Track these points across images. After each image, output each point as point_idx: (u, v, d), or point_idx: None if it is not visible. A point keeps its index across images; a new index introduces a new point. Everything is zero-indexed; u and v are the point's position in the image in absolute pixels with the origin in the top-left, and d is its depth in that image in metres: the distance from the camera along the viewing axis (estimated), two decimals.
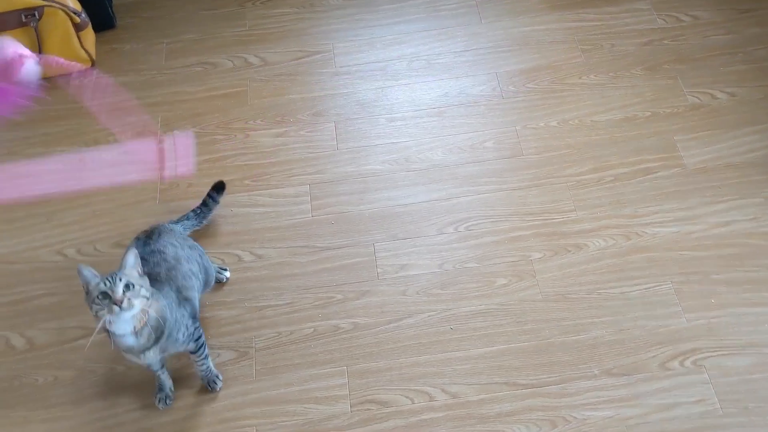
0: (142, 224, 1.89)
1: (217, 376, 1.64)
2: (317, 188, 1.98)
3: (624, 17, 2.34)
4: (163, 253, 1.51)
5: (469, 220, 1.88)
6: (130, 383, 1.67)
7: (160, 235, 1.55)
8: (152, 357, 1.43)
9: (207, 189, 1.94)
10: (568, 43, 2.27)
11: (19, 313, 1.79)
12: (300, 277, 1.81)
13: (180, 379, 1.66)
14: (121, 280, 1.29)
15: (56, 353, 1.72)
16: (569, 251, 1.81)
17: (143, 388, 1.65)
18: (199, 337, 1.54)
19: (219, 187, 1.87)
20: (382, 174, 2.00)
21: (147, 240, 1.53)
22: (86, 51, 2.26)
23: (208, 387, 1.64)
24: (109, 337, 1.38)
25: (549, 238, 1.83)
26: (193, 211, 1.82)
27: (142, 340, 1.37)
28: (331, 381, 1.65)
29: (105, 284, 1.29)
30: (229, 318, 1.74)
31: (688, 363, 1.63)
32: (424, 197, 1.94)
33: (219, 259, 1.84)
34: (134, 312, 1.31)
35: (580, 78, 2.17)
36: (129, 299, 1.29)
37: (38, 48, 2.18)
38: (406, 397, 1.61)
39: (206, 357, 1.59)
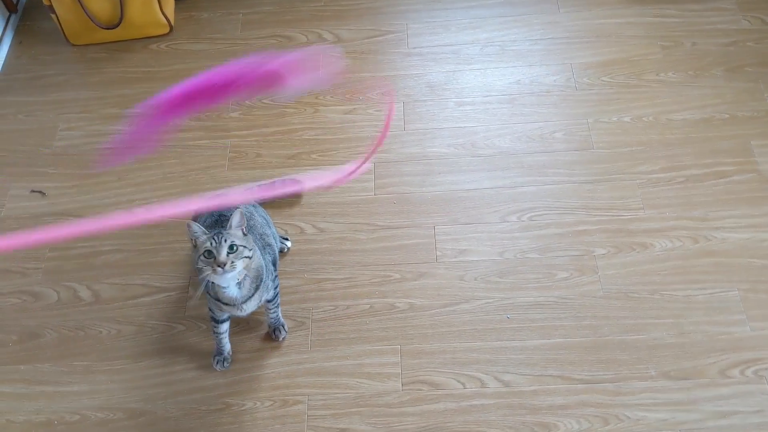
0: (210, 189, 1.94)
1: (284, 326, 1.69)
2: (381, 167, 1.99)
3: (708, 15, 2.27)
4: (237, 207, 1.53)
5: (533, 210, 1.87)
6: (188, 343, 1.71)
7: None
8: (252, 307, 1.48)
9: (274, 160, 1.96)
10: (648, 38, 2.22)
11: (87, 267, 1.85)
12: (359, 254, 1.83)
13: (237, 343, 1.69)
14: (226, 241, 1.33)
15: (120, 308, 1.78)
16: (634, 249, 1.78)
17: (200, 349, 1.69)
18: (278, 285, 1.60)
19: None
20: (447, 157, 1.99)
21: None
22: (165, 16, 2.31)
23: (272, 335, 1.69)
24: (210, 289, 1.44)
25: (615, 234, 1.80)
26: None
27: (244, 291, 1.43)
28: (384, 358, 1.66)
29: (211, 243, 1.33)
30: (288, 287, 1.77)
31: (749, 372, 1.59)
32: (489, 184, 1.93)
33: (282, 229, 1.86)
34: (236, 272, 1.36)
35: (657, 75, 2.12)
36: (232, 261, 1.33)
37: (120, 11, 2.23)
38: (458, 381, 1.61)
39: (278, 305, 1.65)
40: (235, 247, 1.34)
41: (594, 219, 1.84)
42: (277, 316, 1.67)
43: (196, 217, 1.54)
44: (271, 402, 1.61)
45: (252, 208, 1.62)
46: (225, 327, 1.61)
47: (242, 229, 1.39)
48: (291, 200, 1.92)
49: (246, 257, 1.36)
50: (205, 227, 1.38)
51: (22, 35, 2.43)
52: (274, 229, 1.68)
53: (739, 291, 1.70)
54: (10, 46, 2.39)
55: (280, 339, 1.69)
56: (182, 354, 1.70)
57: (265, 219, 1.65)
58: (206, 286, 1.44)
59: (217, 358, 1.66)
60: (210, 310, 1.56)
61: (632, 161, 1.94)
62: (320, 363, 1.66)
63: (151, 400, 1.63)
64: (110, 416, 1.62)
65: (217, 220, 1.51)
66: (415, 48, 2.27)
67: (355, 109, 2.12)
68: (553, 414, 1.55)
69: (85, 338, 1.74)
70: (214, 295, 1.45)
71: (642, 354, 1.62)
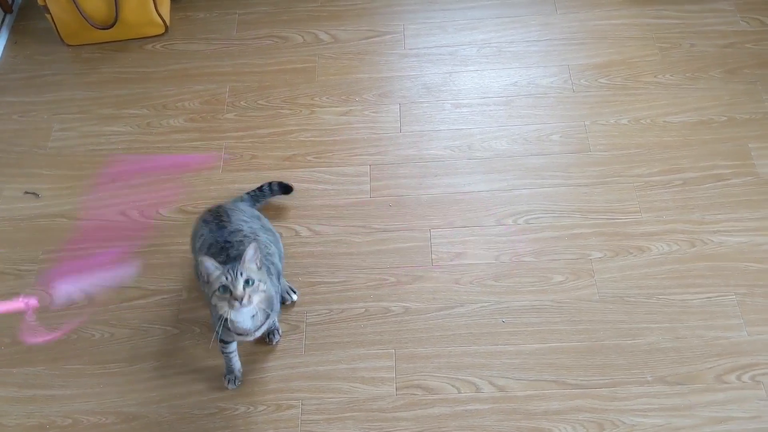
0: (205, 191, 1.93)
1: (278, 329, 1.68)
2: (378, 169, 1.98)
3: (705, 17, 2.26)
4: (241, 230, 1.53)
5: (529, 213, 1.86)
6: (182, 346, 1.70)
7: (229, 215, 1.57)
8: (261, 332, 1.47)
9: (269, 161, 1.96)
10: (646, 39, 2.21)
11: (80, 269, 1.84)
12: (354, 257, 1.82)
13: None
14: (242, 274, 1.32)
15: (113, 311, 1.77)
16: (631, 253, 1.77)
17: (194, 353, 1.69)
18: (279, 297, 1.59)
19: (286, 188, 1.87)
20: (443, 160, 1.98)
21: (220, 222, 1.54)
22: (161, 16, 2.29)
23: (266, 339, 1.68)
24: (221, 324, 1.40)
25: (611, 238, 1.79)
26: (248, 193, 1.83)
27: (257, 322, 1.43)
28: (378, 362, 1.65)
29: (226, 278, 1.32)
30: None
31: (745, 378, 1.58)
32: (485, 186, 1.92)
33: (277, 231, 1.85)
34: (252, 306, 1.35)
35: (655, 76, 2.11)
36: (249, 296, 1.33)
37: (115, 11, 2.21)
38: (453, 386, 1.60)
39: (276, 311, 1.59)
40: (251, 281, 1.33)
41: (590, 222, 1.83)
42: (273, 321, 1.66)
43: (201, 245, 1.52)
44: (265, 406, 1.60)
45: (255, 226, 1.58)
46: (234, 346, 1.59)
47: (256, 263, 1.38)
48: (286, 203, 1.91)
49: (262, 291, 1.36)
50: (212, 255, 1.38)
51: (18, 35, 2.42)
52: (280, 246, 1.68)
53: (736, 295, 1.69)
54: (5, 46, 2.38)
55: (274, 343, 1.68)
56: (176, 358, 1.69)
57: (272, 234, 1.64)
58: (219, 319, 1.41)
59: (228, 377, 1.63)
60: (218, 333, 1.48)
61: (629, 164, 1.93)
62: (314, 367, 1.65)
63: (145, 404, 1.63)
64: (103, 420, 1.61)
65: (223, 248, 1.47)
66: (411, 49, 2.26)
67: (351, 110, 2.11)
68: (548, 420, 1.54)
69: (78, 341, 1.73)
70: (226, 325, 1.43)
71: (638, 359, 1.61)
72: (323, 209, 1.90)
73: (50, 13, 2.24)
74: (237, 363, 1.63)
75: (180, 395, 1.63)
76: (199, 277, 1.37)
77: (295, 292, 1.75)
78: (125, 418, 1.61)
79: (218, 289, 1.33)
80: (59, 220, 1.92)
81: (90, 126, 2.13)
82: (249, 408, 1.60)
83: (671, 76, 2.11)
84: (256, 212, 1.69)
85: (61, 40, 2.34)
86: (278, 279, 1.57)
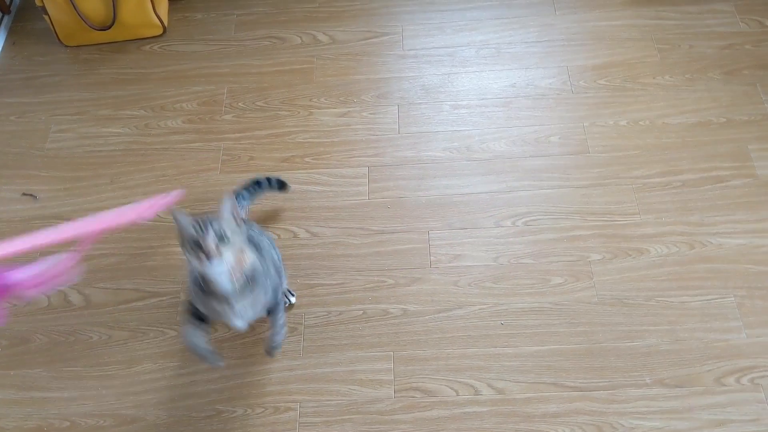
0: (203, 192, 1.93)
1: (277, 346, 1.56)
2: (376, 171, 1.97)
3: (705, 18, 2.25)
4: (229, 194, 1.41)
5: (528, 214, 1.85)
6: (180, 349, 1.70)
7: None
8: (245, 312, 1.37)
9: (267, 163, 1.95)
10: (645, 41, 2.20)
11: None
12: (353, 259, 1.81)
13: (231, 348, 1.68)
14: (212, 228, 1.23)
15: (111, 313, 1.76)
16: (630, 255, 1.76)
17: (193, 355, 1.68)
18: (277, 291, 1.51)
19: (282, 184, 1.85)
20: (442, 161, 1.98)
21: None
22: (159, 17, 2.29)
23: (266, 348, 1.64)
24: (203, 286, 1.32)
25: (610, 240, 1.79)
26: (245, 188, 1.77)
27: (238, 286, 1.31)
28: (376, 365, 1.64)
29: (195, 231, 1.23)
30: None
31: (744, 380, 1.57)
32: (484, 188, 1.92)
33: (275, 234, 1.85)
34: (226, 264, 1.26)
35: (654, 78, 2.10)
36: (220, 251, 1.23)
37: (113, 12, 2.21)
38: (451, 389, 1.60)
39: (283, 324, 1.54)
40: (225, 237, 1.24)
41: (589, 224, 1.82)
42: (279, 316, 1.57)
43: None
44: (263, 409, 1.60)
45: (252, 233, 1.48)
46: (202, 333, 1.43)
47: (234, 218, 1.28)
48: (284, 205, 1.91)
49: (238, 249, 1.27)
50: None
51: (15, 36, 2.41)
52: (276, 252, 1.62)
53: (735, 297, 1.69)
54: (2, 47, 2.37)
55: (274, 352, 1.66)
56: (174, 360, 1.68)
57: (268, 239, 1.60)
58: (195, 284, 1.33)
59: (209, 359, 1.44)
60: (191, 305, 1.39)
61: (628, 165, 1.92)
62: (312, 369, 1.65)
63: (142, 407, 1.62)
64: (101, 423, 1.60)
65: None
66: (410, 50, 2.25)
67: (349, 112, 2.10)
68: (547, 422, 1.54)
69: (76, 343, 1.72)
70: (204, 291, 1.34)
71: (637, 361, 1.61)
72: (321, 211, 1.90)
73: (48, 14, 2.24)
74: (204, 345, 1.43)
75: (178, 398, 1.63)
76: (182, 246, 1.27)
77: (293, 295, 1.74)
78: (123, 420, 1.60)
79: (190, 243, 1.23)
80: (55, 222, 1.92)
81: (88, 127, 2.13)
82: (247, 410, 1.60)
83: (670, 77, 2.10)
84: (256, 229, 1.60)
85: (59, 41, 2.33)
86: (279, 277, 1.53)
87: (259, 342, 1.69)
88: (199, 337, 1.43)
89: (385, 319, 1.71)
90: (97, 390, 1.65)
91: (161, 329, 1.73)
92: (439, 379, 1.62)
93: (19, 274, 1.04)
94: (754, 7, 2.27)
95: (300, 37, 2.31)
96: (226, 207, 1.27)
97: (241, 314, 1.38)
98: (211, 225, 1.23)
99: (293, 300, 1.73)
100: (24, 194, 1.99)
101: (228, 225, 1.26)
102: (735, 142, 1.95)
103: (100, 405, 1.63)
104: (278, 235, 1.84)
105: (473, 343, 1.66)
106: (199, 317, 1.43)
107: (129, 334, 1.73)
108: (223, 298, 1.33)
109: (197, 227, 1.23)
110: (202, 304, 1.39)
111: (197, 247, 1.23)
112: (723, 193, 1.86)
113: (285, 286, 1.69)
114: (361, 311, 1.73)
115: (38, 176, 2.03)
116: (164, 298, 1.78)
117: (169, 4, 2.41)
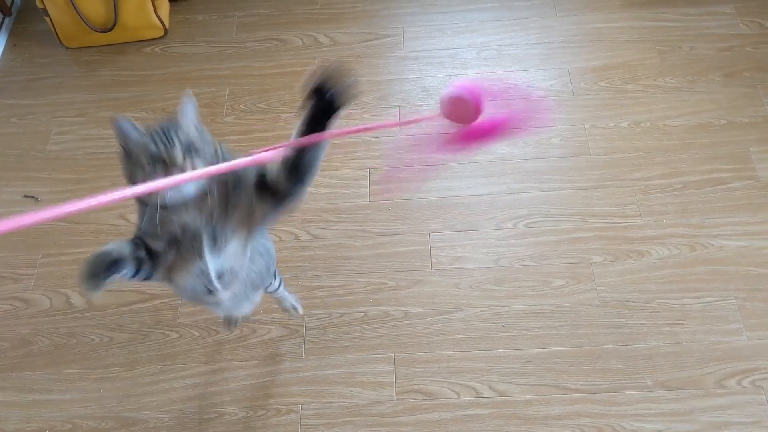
0: None
1: (294, 306, 1.60)
2: (377, 173, 1.97)
3: (705, 20, 2.25)
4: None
5: (529, 216, 1.85)
6: (182, 351, 1.70)
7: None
8: (225, 263, 1.03)
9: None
10: (645, 42, 2.20)
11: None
12: (354, 261, 1.81)
13: (229, 351, 1.68)
14: (178, 138, 0.91)
15: (113, 315, 1.76)
16: (631, 257, 1.76)
17: (194, 357, 1.68)
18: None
19: None
20: (442, 163, 1.98)
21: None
22: (160, 19, 2.29)
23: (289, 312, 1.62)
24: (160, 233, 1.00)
25: (611, 242, 1.79)
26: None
27: (204, 211, 0.97)
28: (378, 367, 1.65)
29: (157, 146, 0.90)
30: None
31: (746, 383, 1.57)
32: (485, 190, 1.92)
33: (276, 236, 1.85)
34: (195, 181, 0.93)
35: (654, 80, 2.11)
36: (193, 165, 0.92)
37: (114, 14, 2.21)
38: (453, 391, 1.60)
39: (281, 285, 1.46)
40: (192, 148, 0.92)
41: (590, 226, 1.82)
42: (284, 295, 1.55)
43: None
44: (264, 411, 1.60)
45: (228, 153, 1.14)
46: (127, 247, 1.00)
47: (194, 124, 0.96)
48: None
49: (207, 159, 0.94)
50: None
51: (16, 38, 2.41)
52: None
53: (736, 300, 1.69)
54: (3, 49, 2.38)
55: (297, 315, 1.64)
56: (176, 362, 1.69)
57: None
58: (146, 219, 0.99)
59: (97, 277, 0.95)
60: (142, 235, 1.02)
61: (629, 167, 1.92)
62: (314, 371, 1.65)
63: (144, 409, 1.62)
64: (102, 425, 1.60)
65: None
66: (411, 52, 2.25)
67: (350, 113, 2.09)
68: (548, 424, 1.54)
69: (78, 345, 1.72)
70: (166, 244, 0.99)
71: (638, 363, 1.61)
72: (322, 213, 1.90)
73: (49, 16, 2.24)
74: (116, 257, 0.99)
75: (179, 400, 1.63)
76: (129, 172, 0.95)
77: (298, 304, 1.69)
78: (124, 423, 1.60)
79: (146, 159, 0.90)
80: (58, 224, 1.92)
81: (89, 129, 2.13)
82: (248, 413, 1.60)
83: (671, 79, 2.11)
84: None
85: (60, 43, 2.33)
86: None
87: (260, 344, 1.69)
88: (120, 246, 1.00)
89: (386, 321, 1.71)
90: (99, 392, 1.65)
91: (163, 331, 1.73)
92: (440, 382, 1.62)
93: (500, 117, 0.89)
94: (754, 8, 2.27)
95: (301, 38, 2.31)
96: (188, 110, 0.96)
97: (221, 267, 1.03)
98: (176, 134, 0.92)
99: (300, 311, 1.66)
100: (25, 196, 1.99)
101: (190, 131, 0.95)
102: (736, 144, 1.96)
103: (102, 407, 1.63)
104: (279, 237, 1.85)
105: (474, 345, 1.66)
106: (148, 252, 1.02)
107: (130, 336, 1.73)
108: (192, 241, 0.98)
109: (157, 139, 0.91)
110: (162, 272, 1.03)
111: (159, 165, 0.91)
112: (724, 195, 1.86)
113: (274, 268, 1.36)
114: (362, 313, 1.73)
115: (39, 178, 2.03)
116: (166, 300, 1.78)
117: (170, 6, 2.41)
